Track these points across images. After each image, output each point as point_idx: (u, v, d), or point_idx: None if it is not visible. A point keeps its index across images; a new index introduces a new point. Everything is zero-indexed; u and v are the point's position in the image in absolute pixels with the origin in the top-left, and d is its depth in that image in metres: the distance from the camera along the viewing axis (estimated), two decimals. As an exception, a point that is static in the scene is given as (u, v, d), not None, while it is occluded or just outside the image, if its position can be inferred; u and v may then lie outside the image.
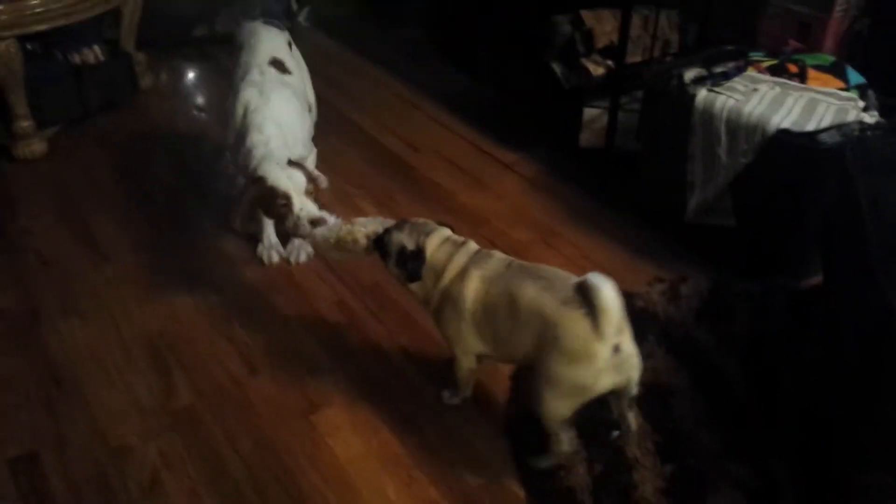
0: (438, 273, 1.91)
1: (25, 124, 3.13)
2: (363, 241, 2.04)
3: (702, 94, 2.53)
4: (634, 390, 1.81)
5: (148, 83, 3.80)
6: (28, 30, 3.05)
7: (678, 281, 2.49)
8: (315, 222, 2.20)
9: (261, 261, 2.61)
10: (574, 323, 1.67)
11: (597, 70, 3.17)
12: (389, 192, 3.02)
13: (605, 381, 1.71)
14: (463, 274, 1.88)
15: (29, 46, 3.26)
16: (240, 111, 2.49)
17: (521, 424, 1.98)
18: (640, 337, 2.20)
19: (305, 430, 2.01)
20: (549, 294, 1.74)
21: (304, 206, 2.23)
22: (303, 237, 2.30)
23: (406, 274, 1.94)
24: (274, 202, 2.24)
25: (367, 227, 2.05)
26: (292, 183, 2.25)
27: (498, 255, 1.93)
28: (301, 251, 2.62)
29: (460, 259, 1.90)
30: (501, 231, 2.77)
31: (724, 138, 2.48)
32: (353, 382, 2.16)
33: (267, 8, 4.31)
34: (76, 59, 3.43)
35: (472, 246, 1.95)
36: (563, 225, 2.83)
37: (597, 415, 1.91)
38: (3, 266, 2.53)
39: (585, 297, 1.67)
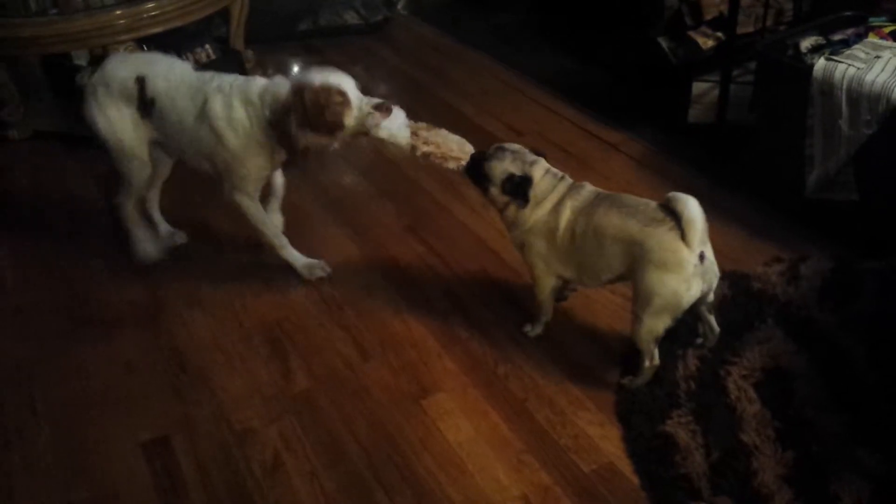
0: (539, 201, 2.06)
1: (146, 124, 3.30)
2: (453, 158, 2.17)
3: (820, 63, 2.40)
4: (712, 297, 1.99)
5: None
6: (145, 33, 3.21)
7: (798, 260, 2.38)
8: (380, 108, 2.16)
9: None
10: (662, 235, 1.85)
11: (706, 42, 3.07)
12: (493, 176, 3.01)
13: (694, 289, 1.87)
14: (560, 204, 2.04)
15: (146, 49, 3.43)
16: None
17: (633, 413, 1.95)
18: (757, 319, 2.16)
19: (417, 414, 2.05)
20: (634, 218, 1.91)
21: (360, 97, 2.18)
22: (373, 132, 2.19)
23: (515, 199, 2.06)
24: (330, 101, 2.13)
25: (461, 145, 2.19)
26: (338, 77, 2.18)
27: (589, 187, 2.07)
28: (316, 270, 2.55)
29: (560, 189, 2.06)
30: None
31: (845, 109, 2.35)
32: (462, 368, 2.18)
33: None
34: (190, 58, 3.59)
35: (569, 179, 2.10)
36: (673, 205, 2.75)
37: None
38: (131, 261, 2.68)
39: (671, 213, 1.86)
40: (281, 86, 2.23)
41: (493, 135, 3.32)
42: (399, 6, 4.66)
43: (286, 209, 2.64)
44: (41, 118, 3.58)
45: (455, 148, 2.22)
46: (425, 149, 2.20)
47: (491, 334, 2.28)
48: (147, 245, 2.60)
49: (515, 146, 2.13)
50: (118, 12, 3.14)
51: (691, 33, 3.11)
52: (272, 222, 2.52)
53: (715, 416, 1.89)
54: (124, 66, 2.40)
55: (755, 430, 1.85)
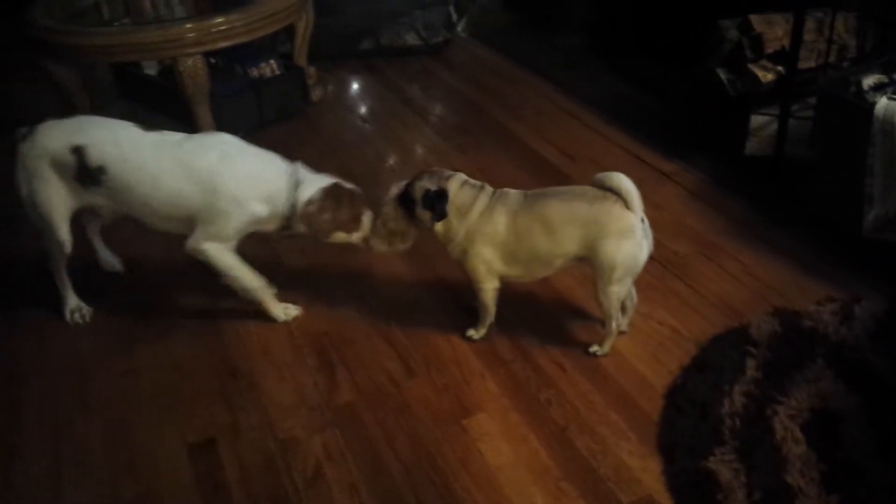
0: (463, 212, 2.17)
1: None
2: (391, 206, 2.25)
3: (882, 102, 2.36)
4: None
5: (319, 95, 4.02)
6: (212, 47, 3.32)
7: (852, 301, 2.33)
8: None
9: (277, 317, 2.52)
10: (611, 208, 2.05)
11: (766, 76, 3.03)
12: (544, 201, 3.03)
13: (645, 250, 2.10)
14: (489, 211, 2.16)
15: (213, 61, 3.54)
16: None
17: (676, 447, 1.94)
18: (807, 358, 2.13)
19: (458, 433, 2.07)
20: (578, 201, 2.09)
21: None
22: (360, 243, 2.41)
23: (433, 214, 2.17)
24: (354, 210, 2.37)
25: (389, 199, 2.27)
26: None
27: (513, 191, 2.19)
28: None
29: (483, 199, 2.17)
30: (658, 242, 2.68)
31: (907, 149, 2.31)
32: (505, 390, 2.19)
33: (429, 20, 4.45)
34: (254, 72, 3.70)
35: (489, 188, 2.21)
36: (725, 238, 2.73)
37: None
38: (192, 267, 2.75)
39: (609, 189, 2.07)
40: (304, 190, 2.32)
41: (545, 158, 3.34)
42: (459, 28, 4.71)
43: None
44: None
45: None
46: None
47: (534, 358, 2.29)
48: (72, 301, 2.56)
49: (435, 167, 2.26)
50: (188, 25, 3.25)
51: (751, 66, 3.08)
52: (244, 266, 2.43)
53: (759, 455, 1.86)
54: (56, 138, 2.28)
55: (800, 471, 1.82)
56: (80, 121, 2.37)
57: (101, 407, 2.22)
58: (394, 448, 2.03)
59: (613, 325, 2.21)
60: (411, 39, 4.43)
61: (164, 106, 3.63)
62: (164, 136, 2.32)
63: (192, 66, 3.25)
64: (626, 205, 2.06)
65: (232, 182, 2.26)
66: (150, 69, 3.76)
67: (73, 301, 2.55)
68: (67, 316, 2.54)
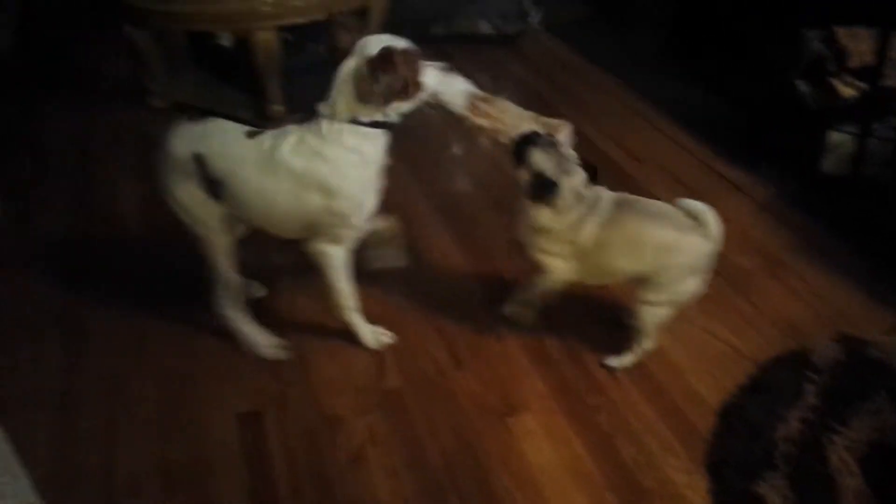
0: (559, 213, 2.07)
1: (279, 108, 3.43)
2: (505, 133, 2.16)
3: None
4: None
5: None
6: (288, 21, 3.32)
7: (923, 334, 2.25)
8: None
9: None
10: (697, 244, 2.04)
11: (847, 91, 2.93)
12: (607, 202, 2.98)
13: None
14: (581, 221, 2.07)
15: (287, 37, 3.56)
16: None
17: (724, 465, 1.89)
18: (871, 389, 2.05)
19: (501, 429, 2.06)
20: (669, 226, 2.04)
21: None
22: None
23: (534, 196, 2.08)
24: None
25: (520, 119, 2.19)
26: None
27: (606, 196, 2.11)
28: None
29: (581, 209, 2.08)
30: (722, 255, 2.62)
31: None
32: (552, 390, 2.17)
33: (502, 10, 4.40)
34: (326, 50, 3.70)
35: (589, 192, 2.10)
36: (793, 256, 2.66)
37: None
38: (253, 235, 2.78)
39: (695, 218, 2.03)
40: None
41: (611, 158, 3.29)
42: (534, 20, 4.66)
43: (396, 208, 2.67)
44: (182, 90, 3.76)
45: (511, 123, 2.22)
46: (479, 122, 2.20)
47: (584, 361, 2.26)
48: (259, 339, 2.31)
49: (569, 150, 2.14)
50: (266, -1, 3.28)
51: (832, 80, 2.98)
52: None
53: (811, 485, 1.81)
54: (181, 143, 2.07)
55: (853, 505, 1.77)
56: (205, 126, 2.09)
57: (157, 372, 2.25)
58: (436, 437, 2.03)
59: (648, 343, 2.18)
60: (484, 28, 4.39)
61: (235, 77, 3.67)
62: (259, 144, 2.05)
63: (266, 40, 3.27)
64: (709, 243, 2.04)
65: (344, 181, 2.02)
66: (225, 40, 3.80)
67: (259, 336, 2.31)
68: (263, 351, 2.30)
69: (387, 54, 1.93)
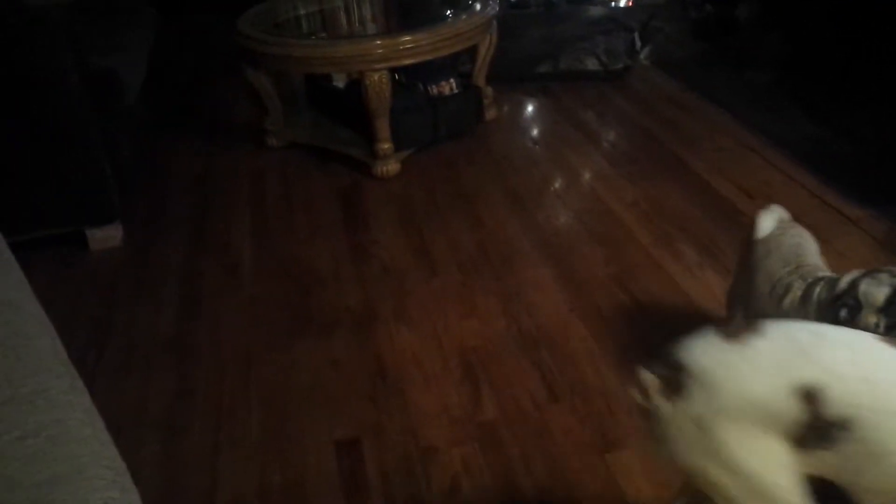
0: None
1: (386, 146, 3.54)
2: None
3: None
4: None
5: (492, 115, 4.08)
6: (398, 63, 3.45)
7: None
8: None
9: None
10: None
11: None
12: (713, 237, 2.90)
13: None
14: None
15: (396, 77, 3.70)
16: None
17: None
18: None
19: (598, 466, 2.01)
20: None
21: None
22: None
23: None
24: None
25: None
26: None
27: None
28: None
29: None
30: (838, 293, 2.51)
31: None
32: (652, 428, 2.11)
33: (611, 47, 4.40)
34: (434, 90, 3.81)
35: None
36: (916, 295, 2.49)
37: None
38: (354, 270, 2.89)
39: None
40: None
41: (720, 194, 3.20)
42: (642, 56, 4.63)
43: (495, 240, 2.70)
44: (298, 130, 3.97)
45: None
46: None
47: (687, 400, 2.19)
48: None
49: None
50: (378, 42, 3.42)
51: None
52: None
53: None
54: (766, 377, 1.27)
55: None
56: (798, 332, 1.32)
57: (260, 397, 2.34)
58: (530, 472, 2.01)
59: None
60: (591, 65, 4.40)
61: (345, 117, 3.83)
62: None
63: (378, 81, 3.40)
64: None
65: None
66: (339, 81, 3.98)
67: None
68: None
69: None
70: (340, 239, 3.08)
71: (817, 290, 1.86)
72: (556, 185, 3.46)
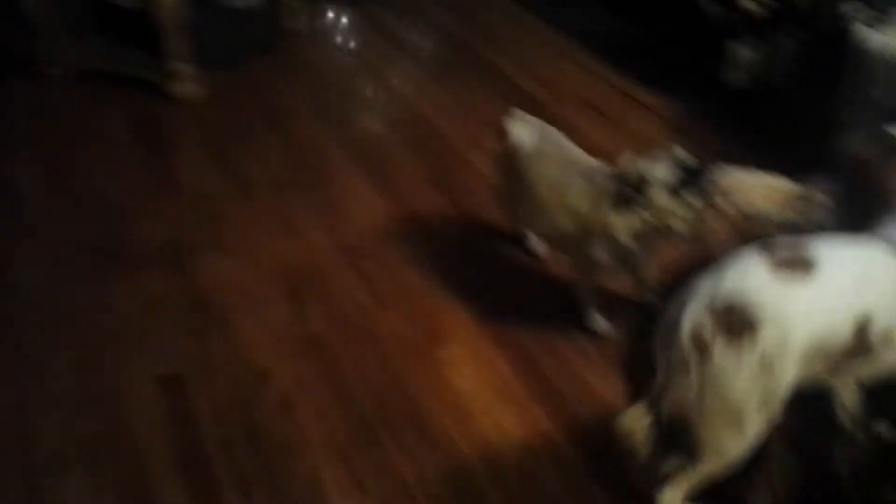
0: None
1: (184, 65, 3.30)
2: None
3: (869, 33, 2.31)
4: None
5: (299, 26, 3.91)
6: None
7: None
8: None
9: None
10: None
11: (749, 5, 2.97)
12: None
13: None
14: None
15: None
16: None
17: (635, 364, 1.93)
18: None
19: (427, 362, 2.08)
20: None
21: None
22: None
23: None
24: None
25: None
26: None
27: None
28: None
29: None
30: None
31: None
32: (474, 318, 2.21)
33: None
34: (234, 2, 3.57)
35: None
36: (704, 168, 2.70)
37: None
38: (162, 201, 2.72)
39: None
40: None
41: (526, 90, 3.29)
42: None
43: (310, 155, 2.63)
44: (84, 56, 3.59)
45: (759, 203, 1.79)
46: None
47: (504, 286, 2.30)
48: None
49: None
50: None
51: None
52: None
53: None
54: (832, 311, 1.30)
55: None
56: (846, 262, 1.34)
57: (69, 343, 2.16)
58: (363, 377, 2.05)
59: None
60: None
61: (138, 37, 3.51)
62: None
63: (167, -7, 3.12)
64: None
65: None
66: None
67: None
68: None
69: None
70: (145, 170, 2.88)
71: (606, 183, 1.99)
72: (369, 95, 3.41)
